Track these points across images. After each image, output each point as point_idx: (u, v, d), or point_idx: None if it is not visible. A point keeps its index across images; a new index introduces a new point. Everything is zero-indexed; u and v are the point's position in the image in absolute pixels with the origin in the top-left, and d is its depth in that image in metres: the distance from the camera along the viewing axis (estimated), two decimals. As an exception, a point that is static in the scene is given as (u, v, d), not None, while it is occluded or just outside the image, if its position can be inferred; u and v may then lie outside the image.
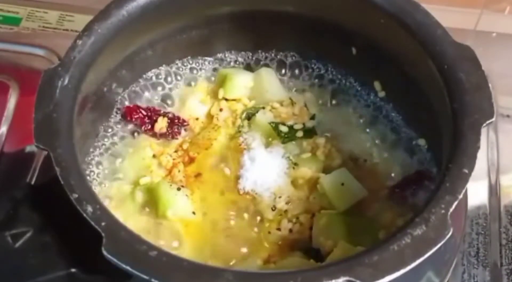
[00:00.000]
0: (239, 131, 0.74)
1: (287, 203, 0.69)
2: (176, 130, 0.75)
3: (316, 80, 0.79)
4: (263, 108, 0.75)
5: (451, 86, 0.61)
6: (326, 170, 0.71)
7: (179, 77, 0.79)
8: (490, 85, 0.62)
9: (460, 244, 0.73)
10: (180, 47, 0.77)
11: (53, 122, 0.59)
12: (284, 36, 0.78)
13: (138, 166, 0.72)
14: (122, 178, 0.71)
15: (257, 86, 0.77)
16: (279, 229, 0.68)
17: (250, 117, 0.75)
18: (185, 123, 0.75)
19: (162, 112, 0.75)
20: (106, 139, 0.74)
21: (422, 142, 0.72)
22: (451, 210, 0.54)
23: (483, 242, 0.79)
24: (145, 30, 0.71)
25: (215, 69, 0.80)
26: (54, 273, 0.56)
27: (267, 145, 0.73)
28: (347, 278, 0.51)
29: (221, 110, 0.76)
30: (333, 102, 0.77)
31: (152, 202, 0.69)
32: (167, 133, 0.74)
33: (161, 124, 0.74)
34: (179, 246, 0.67)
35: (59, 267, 0.57)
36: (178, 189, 0.69)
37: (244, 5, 0.74)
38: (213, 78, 0.79)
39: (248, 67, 0.80)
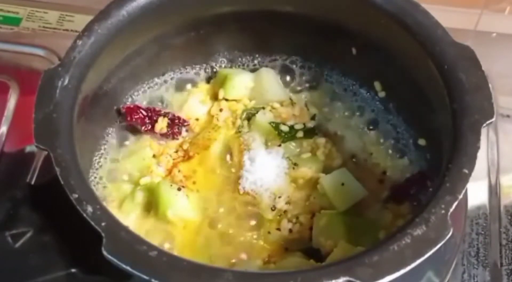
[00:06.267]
0: (239, 132, 0.74)
1: (287, 203, 0.69)
2: (176, 130, 0.75)
3: (316, 80, 0.79)
4: (263, 108, 0.75)
5: (451, 86, 0.61)
6: (326, 170, 0.71)
7: (179, 77, 0.79)
8: (490, 85, 0.61)
9: (460, 244, 0.73)
10: (180, 47, 0.76)
11: (53, 122, 0.59)
12: (284, 37, 0.78)
13: (138, 166, 0.72)
14: (122, 178, 0.71)
15: (257, 86, 0.77)
16: (279, 229, 0.68)
17: (250, 117, 0.75)
18: (185, 123, 0.75)
19: (162, 112, 0.75)
20: (106, 139, 0.74)
21: (422, 142, 0.72)
22: (451, 210, 0.54)
23: (483, 242, 0.79)
24: (145, 30, 0.71)
25: (215, 70, 0.80)
26: (54, 273, 0.56)
27: (267, 145, 0.73)
28: (347, 278, 0.51)
29: (221, 110, 0.76)
30: (333, 102, 0.77)
31: (152, 202, 0.69)
32: (168, 133, 0.74)
33: (162, 124, 0.74)
34: (178, 246, 0.67)
35: (59, 267, 0.57)
36: (179, 189, 0.69)
37: (245, 5, 0.74)
38: (213, 79, 0.79)
39: (249, 68, 0.80)
